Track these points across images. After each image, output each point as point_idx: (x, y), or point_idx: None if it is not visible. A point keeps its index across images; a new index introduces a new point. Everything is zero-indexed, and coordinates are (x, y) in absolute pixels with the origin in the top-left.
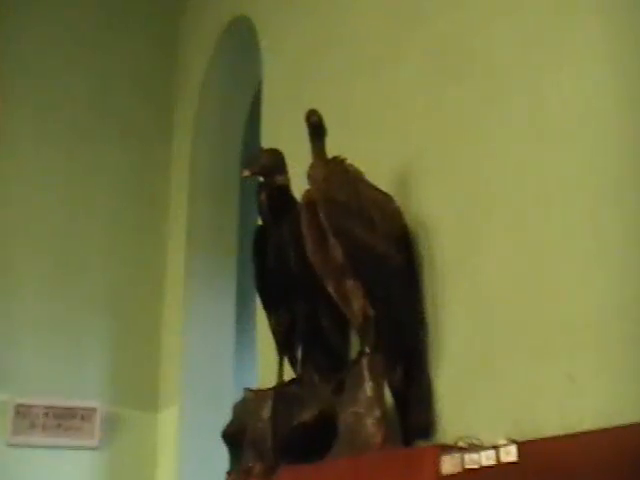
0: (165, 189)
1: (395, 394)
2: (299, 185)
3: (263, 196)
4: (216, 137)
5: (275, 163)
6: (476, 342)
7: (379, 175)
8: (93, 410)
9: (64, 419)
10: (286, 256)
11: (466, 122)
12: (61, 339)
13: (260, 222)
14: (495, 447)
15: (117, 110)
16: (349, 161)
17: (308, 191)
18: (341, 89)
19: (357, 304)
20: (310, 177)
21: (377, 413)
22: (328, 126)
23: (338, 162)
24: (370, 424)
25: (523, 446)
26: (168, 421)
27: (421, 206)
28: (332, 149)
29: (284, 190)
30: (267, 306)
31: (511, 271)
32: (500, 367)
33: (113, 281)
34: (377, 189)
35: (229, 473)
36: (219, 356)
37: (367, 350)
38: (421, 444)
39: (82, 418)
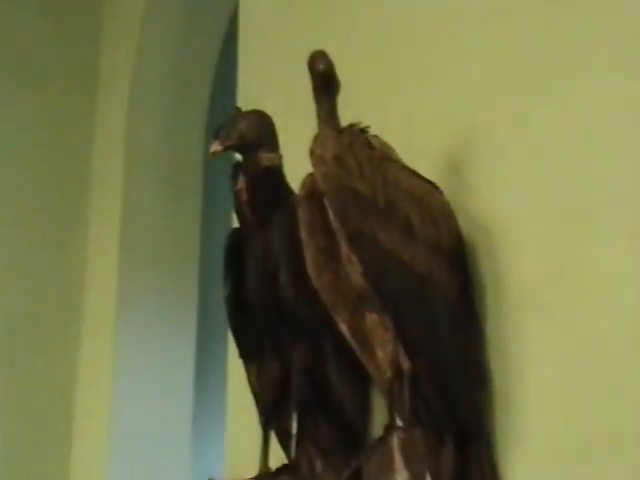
0: (86, 171)
1: None
2: (296, 167)
3: (241, 183)
4: (166, 91)
5: (260, 133)
6: (571, 415)
7: (416, 156)
8: None
9: None
10: (274, 276)
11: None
12: None
13: (236, 224)
14: None
15: (13, 50)
16: (373, 132)
17: (311, 176)
18: (359, 23)
19: (383, 351)
20: (314, 155)
21: None
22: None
23: (357, 133)
24: None
25: None
26: None
27: (484, 203)
28: (344, 115)
29: (273, 174)
30: (245, 352)
31: (630, 306)
32: (610, 457)
33: (7, 310)
34: (416, 175)
35: None
36: (168, 431)
37: (399, 422)
38: None
39: None
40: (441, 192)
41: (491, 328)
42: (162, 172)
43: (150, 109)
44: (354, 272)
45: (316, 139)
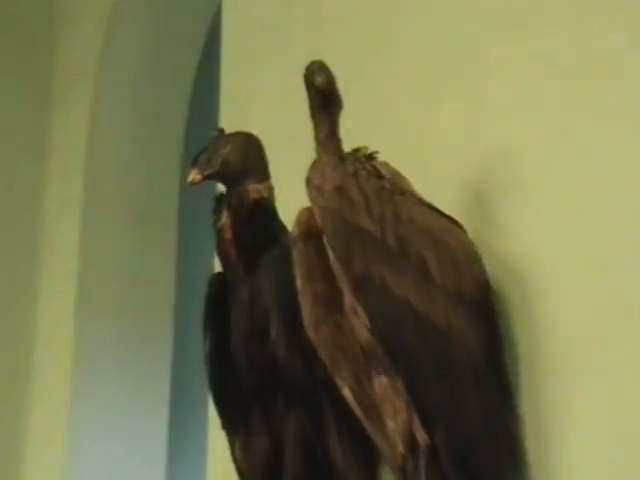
0: (37, 205)
1: None
2: (290, 199)
3: (225, 219)
4: (134, 108)
5: (246, 159)
6: None
7: (432, 187)
8: None
9: None
10: (264, 329)
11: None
12: None
13: (218, 267)
14: None
15: None
16: (382, 159)
17: (307, 211)
18: (360, 33)
19: (395, 421)
20: (312, 185)
21: None
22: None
23: (362, 160)
24: None
25: None
26: None
27: (514, 243)
28: (346, 138)
29: (262, 208)
30: (228, 422)
31: None
32: None
33: None
34: (434, 209)
35: None
36: None
37: None
38: None
39: None
40: (463, 230)
41: (525, 392)
42: (128, 206)
43: (114, 130)
44: (359, 325)
45: (314, 167)
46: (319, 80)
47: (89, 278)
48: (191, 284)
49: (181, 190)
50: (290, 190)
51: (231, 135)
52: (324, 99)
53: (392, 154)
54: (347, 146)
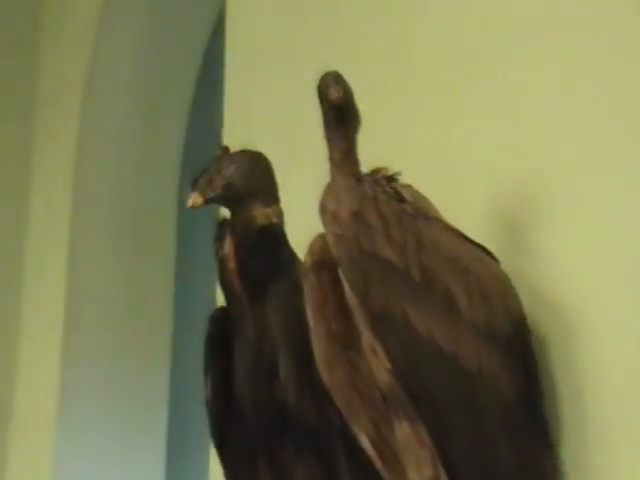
0: (20, 231)
1: None
2: (301, 226)
3: (228, 247)
4: (127, 122)
5: (253, 180)
6: None
7: (460, 212)
8: None
9: None
10: (272, 369)
11: None
12: None
13: (221, 300)
14: None
15: None
16: (404, 181)
17: (321, 239)
18: (377, 42)
19: (418, 473)
20: (326, 211)
21: None
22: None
23: (382, 182)
24: None
25: None
26: None
27: (552, 274)
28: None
29: (270, 235)
30: (232, 472)
31: None
32: None
33: None
34: (462, 237)
35: None
36: None
37: None
38: None
39: None
40: (495, 259)
41: (567, 443)
42: (121, 230)
43: (105, 146)
44: (378, 367)
45: (328, 190)
46: (334, 93)
47: (76, 312)
48: (190, 320)
49: (179, 214)
50: (301, 215)
51: (236, 154)
52: (340, 114)
53: (415, 175)
54: (365, 167)
